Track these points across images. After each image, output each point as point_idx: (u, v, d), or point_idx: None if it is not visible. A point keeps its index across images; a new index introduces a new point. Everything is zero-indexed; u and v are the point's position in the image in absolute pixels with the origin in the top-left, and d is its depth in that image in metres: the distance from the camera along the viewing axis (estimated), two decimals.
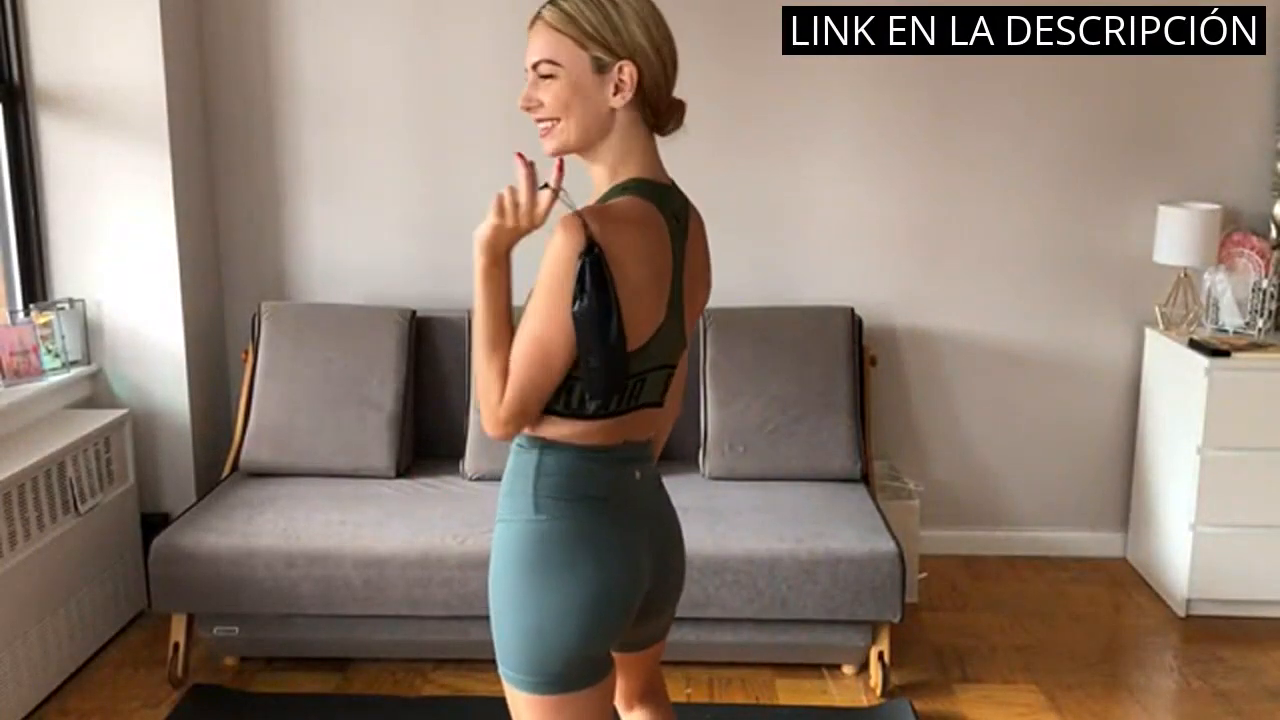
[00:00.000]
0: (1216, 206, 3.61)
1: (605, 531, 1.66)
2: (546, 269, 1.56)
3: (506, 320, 1.60)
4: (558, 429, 1.64)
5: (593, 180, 1.70)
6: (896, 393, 3.91)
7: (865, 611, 2.97)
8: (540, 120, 1.66)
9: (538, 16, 1.64)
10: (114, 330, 3.57)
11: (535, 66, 1.63)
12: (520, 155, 1.59)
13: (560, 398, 1.63)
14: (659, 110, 1.66)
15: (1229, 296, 3.66)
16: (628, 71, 1.61)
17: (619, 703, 1.92)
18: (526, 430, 1.66)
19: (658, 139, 1.70)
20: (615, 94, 1.62)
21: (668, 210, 1.65)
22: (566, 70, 1.61)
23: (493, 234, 1.61)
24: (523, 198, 1.59)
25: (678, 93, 1.68)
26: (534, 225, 1.60)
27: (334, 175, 3.80)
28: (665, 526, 1.81)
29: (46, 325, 3.38)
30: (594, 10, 1.60)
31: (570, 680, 1.65)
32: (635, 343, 1.60)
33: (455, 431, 3.55)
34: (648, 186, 1.65)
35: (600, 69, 1.61)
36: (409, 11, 3.71)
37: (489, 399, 1.59)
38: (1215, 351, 3.41)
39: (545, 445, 1.65)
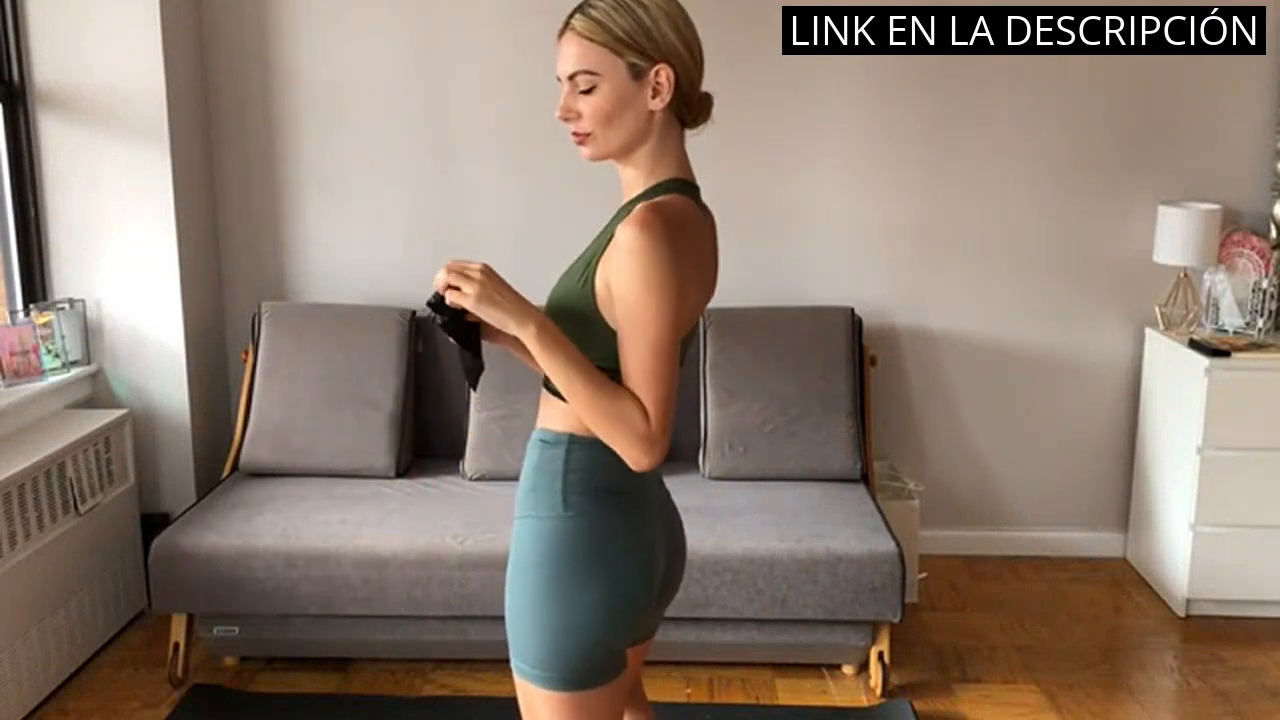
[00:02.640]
0: (1216, 206, 3.61)
1: (630, 526, 1.67)
2: (638, 272, 1.52)
3: (586, 359, 1.57)
4: None
5: (622, 180, 1.69)
6: (896, 393, 3.91)
7: (865, 611, 2.97)
8: (577, 132, 1.64)
9: (568, 27, 1.61)
10: (114, 330, 3.57)
11: (572, 78, 1.61)
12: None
13: None
14: (692, 107, 1.65)
15: (1229, 296, 3.66)
16: (665, 75, 1.60)
17: None
18: (554, 426, 1.65)
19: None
20: (654, 97, 1.61)
21: (703, 210, 1.68)
22: (606, 79, 1.59)
23: (514, 300, 1.56)
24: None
25: None
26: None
27: (334, 175, 3.80)
28: (673, 520, 1.83)
29: (46, 325, 3.38)
30: (625, 16, 1.58)
31: (594, 676, 1.65)
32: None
33: (455, 431, 3.55)
34: (687, 186, 1.67)
35: (637, 75, 1.59)
36: (409, 11, 3.71)
37: (632, 429, 1.54)
38: (1215, 351, 3.41)
39: (574, 440, 1.64)
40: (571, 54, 1.61)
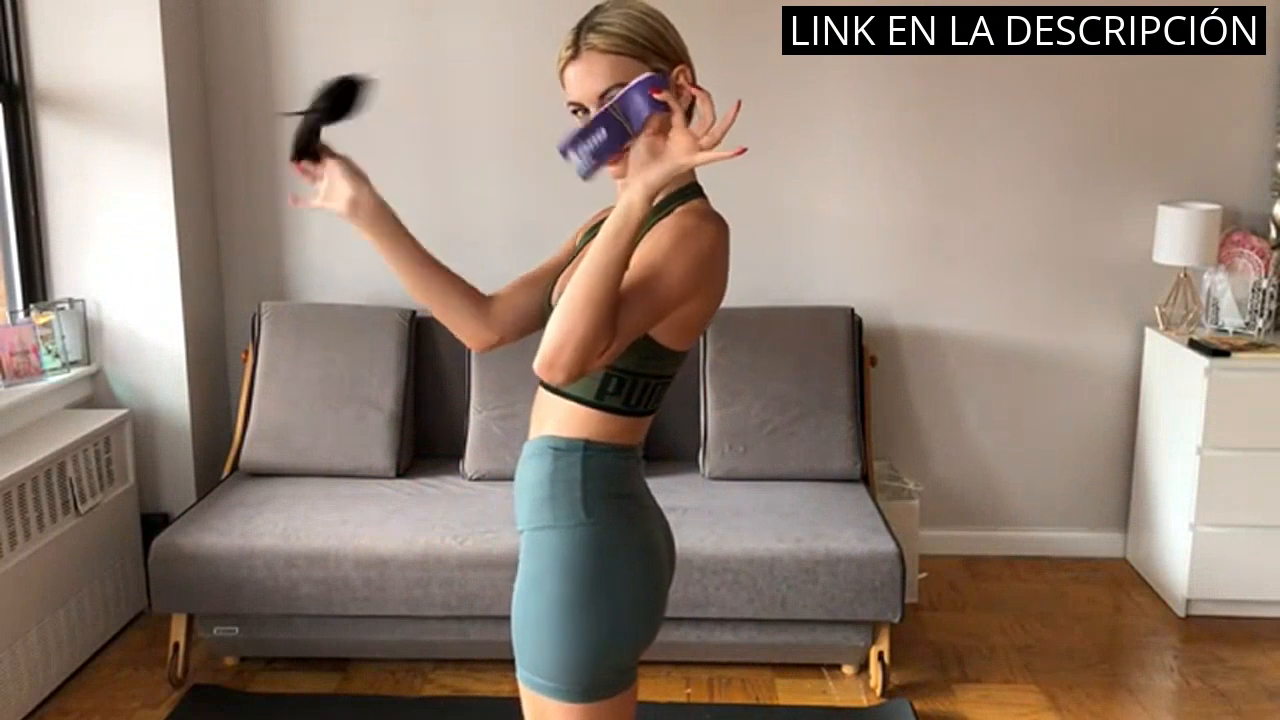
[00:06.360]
0: (1216, 206, 3.61)
1: (643, 529, 1.68)
2: (693, 248, 1.57)
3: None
4: (607, 427, 1.62)
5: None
6: (896, 393, 3.91)
7: (865, 611, 2.97)
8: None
9: (586, 47, 1.58)
10: (114, 330, 3.57)
11: (603, 96, 1.57)
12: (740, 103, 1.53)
13: (622, 394, 1.61)
14: (692, 107, 1.66)
15: (1229, 296, 3.66)
16: (686, 75, 1.62)
17: None
18: (566, 433, 1.63)
19: None
20: (677, 99, 1.60)
21: None
22: None
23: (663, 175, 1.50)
24: (719, 129, 1.53)
25: None
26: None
27: None
28: (666, 523, 1.82)
29: (46, 325, 3.38)
30: (639, 25, 1.59)
31: (618, 683, 1.64)
32: (686, 345, 1.65)
33: (455, 431, 3.55)
34: (702, 190, 1.68)
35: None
36: (410, 11, 3.71)
37: (594, 346, 1.44)
38: (1215, 351, 3.41)
39: (589, 445, 1.63)
40: (599, 71, 1.57)
